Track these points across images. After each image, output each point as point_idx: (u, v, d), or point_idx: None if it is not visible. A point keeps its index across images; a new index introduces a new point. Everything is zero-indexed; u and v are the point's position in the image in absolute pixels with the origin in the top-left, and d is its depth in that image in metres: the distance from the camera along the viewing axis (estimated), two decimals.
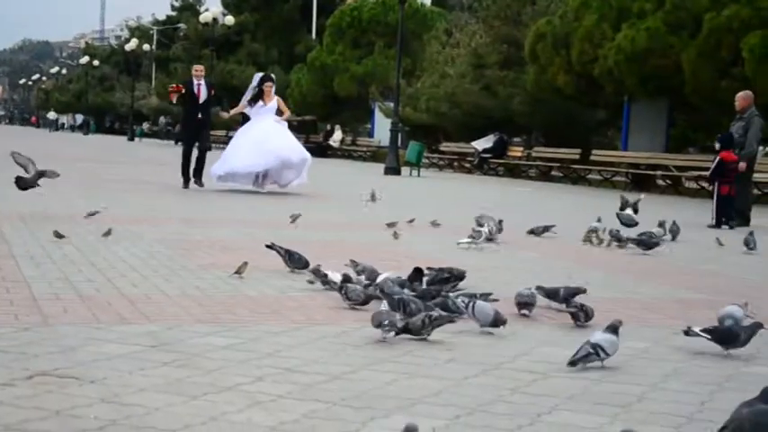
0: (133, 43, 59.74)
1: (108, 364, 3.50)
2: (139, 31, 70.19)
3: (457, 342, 4.23)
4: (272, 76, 15.54)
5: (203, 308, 4.69)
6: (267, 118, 14.13)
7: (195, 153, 14.26)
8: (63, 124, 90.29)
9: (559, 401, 3.32)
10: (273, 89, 14.36)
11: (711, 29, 19.25)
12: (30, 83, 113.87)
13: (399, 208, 11.24)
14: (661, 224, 9.31)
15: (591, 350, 3.80)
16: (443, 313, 4.37)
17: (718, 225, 11.51)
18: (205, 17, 44.13)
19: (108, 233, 7.17)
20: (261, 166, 13.82)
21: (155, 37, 66.82)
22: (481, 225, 8.35)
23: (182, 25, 59.33)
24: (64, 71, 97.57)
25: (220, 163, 13.99)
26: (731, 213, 11.76)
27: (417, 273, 5.27)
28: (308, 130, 38.61)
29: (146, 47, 62.13)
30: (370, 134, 38.76)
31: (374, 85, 36.08)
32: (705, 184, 21.04)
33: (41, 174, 8.60)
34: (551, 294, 5.11)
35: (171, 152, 36.54)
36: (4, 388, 3.13)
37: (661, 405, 3.37)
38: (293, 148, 14.23)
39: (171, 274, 5.68)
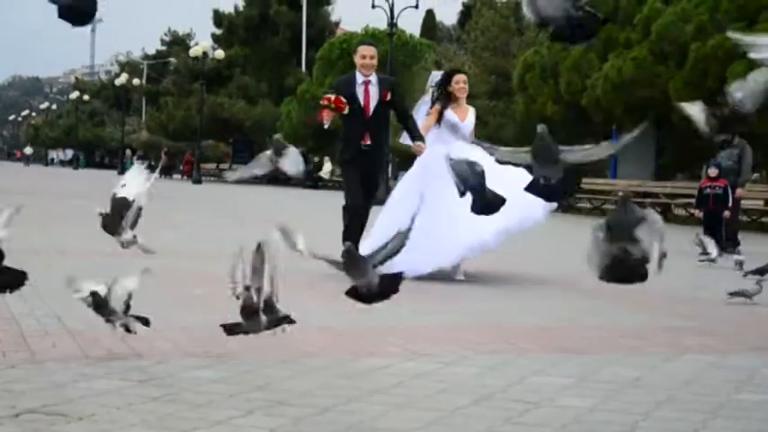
0: (123, 78, 59.98)
1: (96, 400, 3.47)
2: (129, 66, 70.42)
3: (448, 372, 4.21)
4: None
5: (192, 341, 4.66)
6: (465, 146, 7.46)
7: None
8: (53, 159, 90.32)
9: (552, 431, 3.30)
10: (466, 91, 8.52)
11: (697, 58, 19.43)
12: (19, 119, 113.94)
13: None
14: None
15: None
16: None
17: (725, 249, 11.58)
18: (195, 51, 44.49)
19: None
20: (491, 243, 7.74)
21: (145, 71, 67.04)
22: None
23: (172, 59, 59.54)
24: (54, 106, 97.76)
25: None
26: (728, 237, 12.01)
27: None
28: None
29: (136, 81, 62.31)
30: None
31: None
32: (695, 212, 21.16)
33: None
34: None
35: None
36: None
37: None
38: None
39: (160, 308, 5.63)
